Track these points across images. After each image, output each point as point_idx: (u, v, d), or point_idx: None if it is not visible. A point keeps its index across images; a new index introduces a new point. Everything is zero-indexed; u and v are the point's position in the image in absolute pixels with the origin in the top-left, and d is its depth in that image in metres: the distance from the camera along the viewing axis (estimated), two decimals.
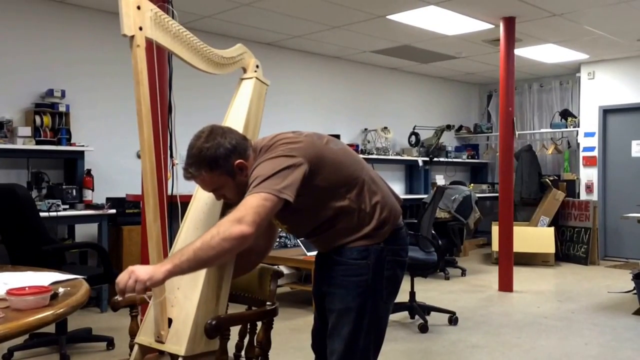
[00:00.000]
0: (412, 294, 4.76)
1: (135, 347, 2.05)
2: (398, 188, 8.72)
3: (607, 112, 8.29)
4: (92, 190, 5.23)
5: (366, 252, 1.98)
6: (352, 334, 1.98)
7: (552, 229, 7.83)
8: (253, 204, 1.77)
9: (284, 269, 5.00)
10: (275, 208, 1.80)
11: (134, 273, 1.71)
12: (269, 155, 1.90)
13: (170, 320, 1.96)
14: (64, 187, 5.01)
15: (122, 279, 1.72)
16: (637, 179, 8.02)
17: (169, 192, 3.22)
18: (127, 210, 5.31)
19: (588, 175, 8.40)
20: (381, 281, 2.01)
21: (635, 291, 5.33)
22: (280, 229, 2.20)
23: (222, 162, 1.90)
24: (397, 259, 2.06)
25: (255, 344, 2.18)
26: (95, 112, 5.55)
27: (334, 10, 5.72)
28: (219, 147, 1.89)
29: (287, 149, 1.89)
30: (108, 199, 5.27)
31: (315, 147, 1.95)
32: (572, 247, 8.08)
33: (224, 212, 2.06)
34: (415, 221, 5.31)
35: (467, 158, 9.50)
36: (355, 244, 1.99)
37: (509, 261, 6.14)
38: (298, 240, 5.38)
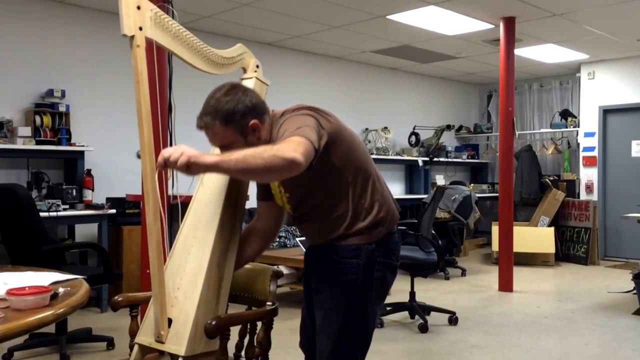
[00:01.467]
0: (412, 294, 4.77)
1: (135, 347, 2.05)
2: (398, 188, 8.74)
3: (607, 112, 8.29)
4: (92, 190, 5.23)
5: (358, 251, 1.98)
6: (340, 332, 1.98)
7: (552, 229, 7.83)
8: (296, 139, 1.72)
9: (283, 269, 5.00)
10: (312, 154, 1.73)
11: (182, 147, 1.70)
12: (298, 112, 1.90)
13: (170, 320, 1.96)
14: (64, 187, 5.01)
15: (169, 150, 1.71)
16: (637, 179, 8.02)
17: (169, 192, 3.22)
18: (127, 210, 5.31)
19: (588, 175, 8.40)
20: (371, 282, 2.00)
21: (635, 291, 5.34)
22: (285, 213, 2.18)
23: (238, 117, 1.87)
24: (388, 261, 2.04)
25: (255, 344, 2.17)
26: (95, 112, 5.56)
27: (334, 10, 5.72)
28: (238, 102, 1.88)
29: (315, 114, 1.90)
30: (108, 199, 5.27)
31: (337, 123, 1.98)
32: (572, 247, 8.08)
33: (224, 214, 2.06)
34: (415, 221, 5.30)
35: (467, 158, 9.49)
36: (347, 241, 1.98)
37: (509, 261, 6.14)
38: (297, 240, 5.38)
